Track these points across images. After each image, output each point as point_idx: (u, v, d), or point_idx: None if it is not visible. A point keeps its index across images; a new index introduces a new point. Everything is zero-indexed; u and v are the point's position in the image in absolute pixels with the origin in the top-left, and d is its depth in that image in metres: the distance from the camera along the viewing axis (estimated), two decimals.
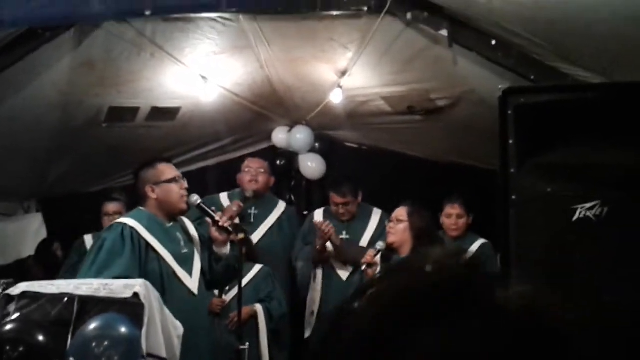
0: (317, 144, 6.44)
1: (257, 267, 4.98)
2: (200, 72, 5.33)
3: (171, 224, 3.78)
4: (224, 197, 5.45)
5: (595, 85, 3.31)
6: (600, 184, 2.74)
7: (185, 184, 3.78)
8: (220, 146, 6.47)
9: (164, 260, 3.63)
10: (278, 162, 6.48)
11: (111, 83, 5.27)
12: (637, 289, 2.70)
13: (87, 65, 5.00)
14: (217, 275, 3.85)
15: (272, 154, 6.46)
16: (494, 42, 4.44)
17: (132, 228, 3.61)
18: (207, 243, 3.87)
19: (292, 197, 6.51)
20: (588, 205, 2.71)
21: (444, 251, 0.68)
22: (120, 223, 3.68)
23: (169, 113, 5.78)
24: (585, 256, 2.71)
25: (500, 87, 2.84)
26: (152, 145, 5.96)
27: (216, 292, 4.77)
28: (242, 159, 5.84)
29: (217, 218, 3.72)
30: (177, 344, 3.36)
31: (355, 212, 5.22)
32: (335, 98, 5.59)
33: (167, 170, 3.80)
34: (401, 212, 4.28)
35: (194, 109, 5.77)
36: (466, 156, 5.86)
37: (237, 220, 4.48)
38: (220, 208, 5.17)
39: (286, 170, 6.52)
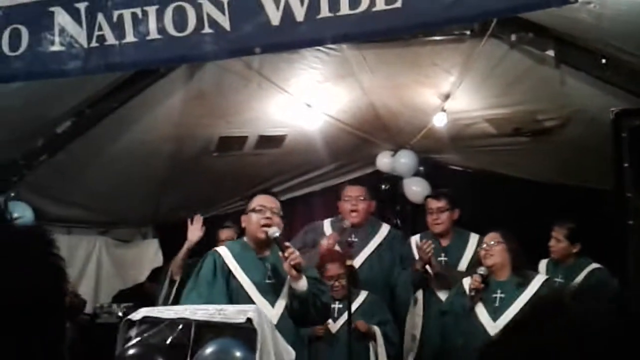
0: (421, 168, 6.42)
1: (364, 294, 4.82)
2: (304, 100, 5.46)
3: (263, 254, 3.84)
4: (327, 225, 5.37)
5: None
6: None
7: (268, 214, 3.78)
8: (325, 172, 6.57)
9: (242, 287, 3.76)
10: (383, 187, 6.48)
11: (221, 114, 5.49)
12: None
13: (198, 97, 5.22)
14: (295, 309, 3.74)
15: (376, 178, 6.48)
16: (603, 61, 4.31)
17: (220, 255, 3.83)
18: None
19: (398, 222, 6.48)
20: None
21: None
22: (214, 251, 3.91)
23: (275, 141, 5.94)
24: None
25: (612, 109, 2.76)
26: (258, 172, 6.13)
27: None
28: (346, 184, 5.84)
29: (286, 254, 3.65)
30: None
31: (450, 230, 5.11)
32: (439, 122, 5.56)
33: (257, 200, 3.88)
34: (495, 235, 4.38)
35: (299, 136, 5.90)
36: (576, 177, 5.69)
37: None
38: (321, 236, 5.21)
39: (391, 194, 6.52)
